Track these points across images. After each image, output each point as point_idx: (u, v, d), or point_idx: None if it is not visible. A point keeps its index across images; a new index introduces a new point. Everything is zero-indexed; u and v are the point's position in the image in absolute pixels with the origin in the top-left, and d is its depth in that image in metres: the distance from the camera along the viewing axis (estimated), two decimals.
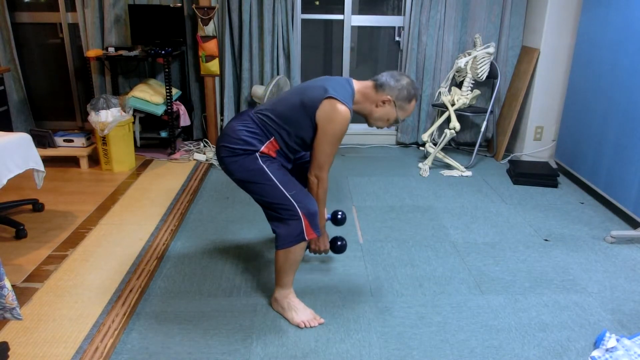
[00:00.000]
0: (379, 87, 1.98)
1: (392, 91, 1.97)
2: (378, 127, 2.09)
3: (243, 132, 1.95)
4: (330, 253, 2.44)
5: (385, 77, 1.99)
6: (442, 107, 3.95)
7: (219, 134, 4.19)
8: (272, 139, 1.97)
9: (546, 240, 2.74)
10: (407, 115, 2.04)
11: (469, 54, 3.91)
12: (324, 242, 2.21)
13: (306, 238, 1.91)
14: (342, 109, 1.88)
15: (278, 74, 4.06)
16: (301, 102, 1.92)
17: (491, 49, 3.81)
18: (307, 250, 2.26)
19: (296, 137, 1.97)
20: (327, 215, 2.43)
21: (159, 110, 3.81)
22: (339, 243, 2.25)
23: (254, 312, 2.06)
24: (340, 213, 2.47)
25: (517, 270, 2.43)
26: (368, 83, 2.02)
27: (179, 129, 4.11)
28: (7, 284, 1.50)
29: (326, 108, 1.88)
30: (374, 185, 3.49)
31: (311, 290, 2.22)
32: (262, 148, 1.95)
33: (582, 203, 3.25)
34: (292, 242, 1.90)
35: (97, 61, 3.98)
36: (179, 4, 3.88)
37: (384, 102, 1.99)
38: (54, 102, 4.46)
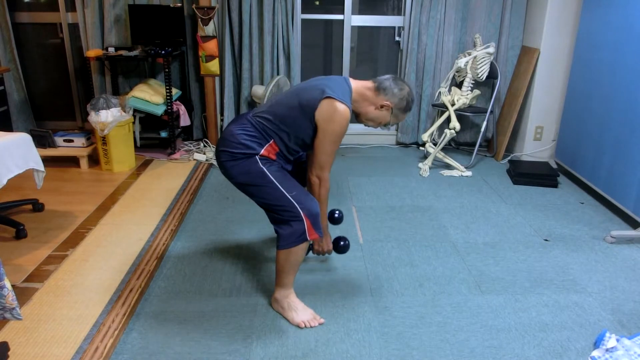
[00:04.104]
0: (381, 90, 1.99)
1: (394, 98, 1.99)
2: (366, 126, 2.12)
3: (242, 136, 1.95)
4: (333, 253, 2.44)
5: (389, 82, 1.99)
6: (442, 107, 3.95)
7: (219, 134, 4.19)
8: (271, 142, 1.97)
9: (546, 240, 2.74)
10: (396, 122, 2.09)
11: (469, 54, 3.91)
12: (327, 243, 2.20)
13: (308, 238, 1.91)
14: (342, 108, 1.88)
15: (278, 74, 4.06)
16: (299, 104, 1.92)
17: (491, 49, 3.81)
18: (311, 251, 2.26)
19: (296, 138, 1.97)
20: None
21: (159, 110, 3.81)
22: (341, 243, 2.25)
23: (254, 312, 2.06)
24: (337, 212, 2.47)
25: (517, 270, 2.43)
26: (367, 84, 2.02)
27: (179, 129, 4.11)
28: (7, 284, 1.50)
29: (325, 108, 1.88)
30: (374, 185, 3.49)
31: (311, 290, 2.22)
32: (262, 151, 1.95)
33: (582, 203, 3.25)
34: (294, 242, 1.90)
35: (97, 61, 3.98)
36: (179, 4, 3.88)
37: (382, 107, 2.00)
38: (54, 102, 4.46)
